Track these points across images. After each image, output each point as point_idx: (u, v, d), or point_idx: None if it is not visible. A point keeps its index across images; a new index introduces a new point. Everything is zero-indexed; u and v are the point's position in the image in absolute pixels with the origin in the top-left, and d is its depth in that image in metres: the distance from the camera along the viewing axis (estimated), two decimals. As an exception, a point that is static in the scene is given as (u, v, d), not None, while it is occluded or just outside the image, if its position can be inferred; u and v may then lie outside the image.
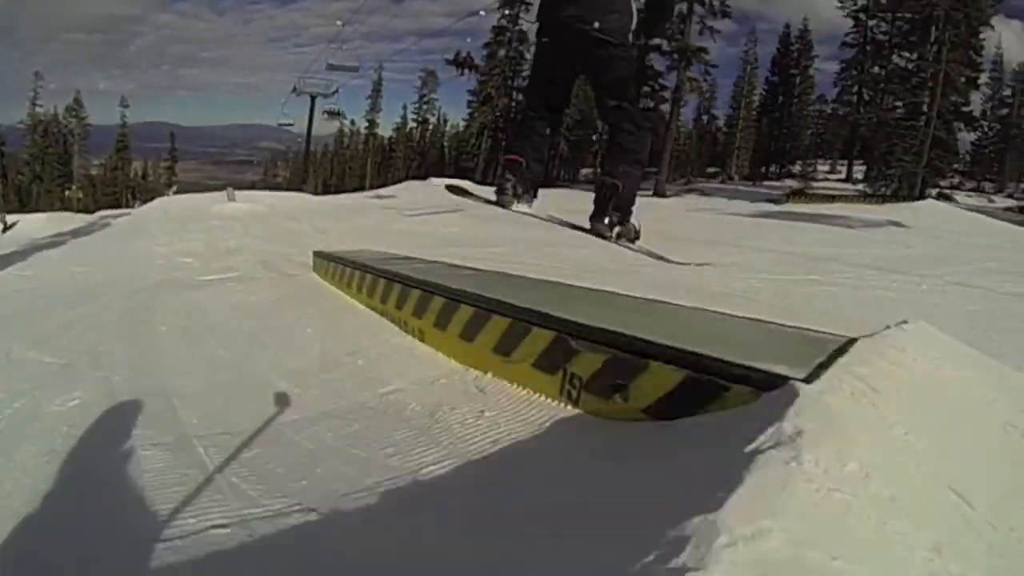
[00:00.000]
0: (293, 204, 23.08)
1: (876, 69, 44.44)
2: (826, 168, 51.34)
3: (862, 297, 6.40)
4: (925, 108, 34.52)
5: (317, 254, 7.58)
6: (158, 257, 10.21)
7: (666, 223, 12.57)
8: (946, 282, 7.31)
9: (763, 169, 51.30)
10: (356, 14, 44.68)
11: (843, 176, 47.98)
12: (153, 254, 10.69)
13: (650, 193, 34.32)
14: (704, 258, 8.15)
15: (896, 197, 31.57)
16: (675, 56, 38.89)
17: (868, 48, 44.80)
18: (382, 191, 33.22)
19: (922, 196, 31.60)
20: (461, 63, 36.78)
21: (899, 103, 36.55)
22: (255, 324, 5.28)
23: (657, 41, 37.35)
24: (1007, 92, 45.62)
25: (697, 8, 38.69)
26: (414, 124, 59.90)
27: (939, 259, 9.48)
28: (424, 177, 38.73)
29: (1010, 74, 45.68)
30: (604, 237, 3.84)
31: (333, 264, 6.66)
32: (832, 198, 30.87)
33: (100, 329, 5.14)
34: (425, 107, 59.47)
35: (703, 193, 37.55)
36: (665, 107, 41.59)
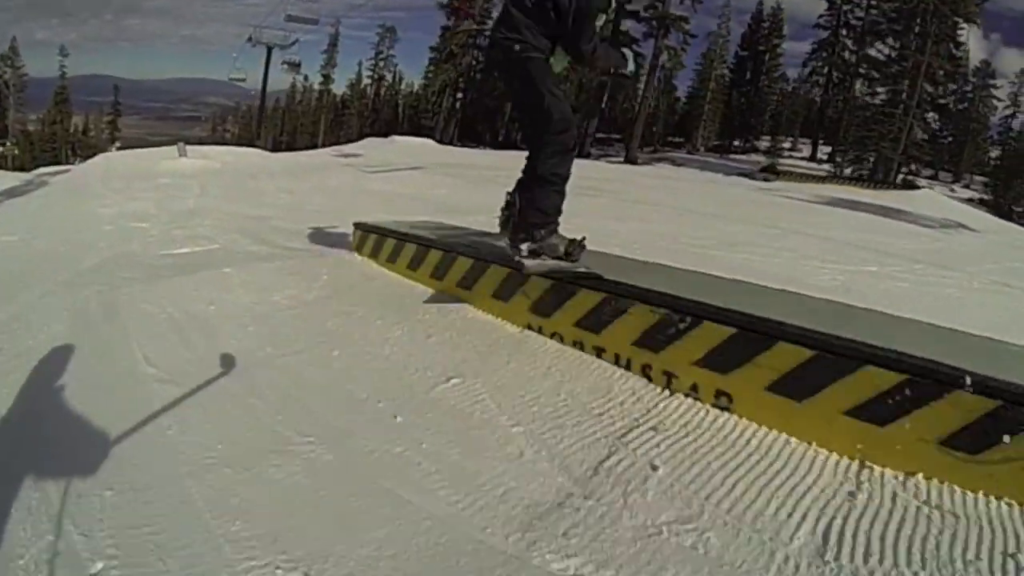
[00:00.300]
0: (249, 161, 21.53)
1: (847, 54, 45.87)
2: (787, 145, 51.88)
3: (938, 295, 5.87)
4: (904, 96, 35.39)
5: (361, 226, 5.54)
6: (104, 221, 8.80)
7: (677, 195, 11.78)
8: (991, 281, 7.02)
9: (728, 143, 51.48)
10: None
11: (807, 155, 48.70)
12: (99, 217, 9.26)
13: (621, 160, 33.87)
14: (744, 238, 7.39)
15: (874, 181, 32.06)
16: (653, 23, 37.98)
17: (841, 32, 45.35)
18: (344, 148, 31.51)
19: (906, 183, 32.80)
20: (457, 8, 34.72)
21: (880, 89, 37.88)
22: (334, 369, 3.24)
23: (634, 7, 36.60)
24: (968, 88, 47.31)
25: (678, -23, 37.84)
26: (369, 81, 58.22)
27: (970, 255, 9.22)
28: (385, 134, 37.25)
29: (971, 70, 47.26)
30: (515, 263, 3.56)
31: (411, 244, 4.71)
32: (821, 179, 30.88)
33: (26, 369, 3.18)
34: (382, 64, 57.81)
35: (674, 163, 37.00)
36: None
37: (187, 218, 8.86)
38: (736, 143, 52.03)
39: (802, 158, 47.65)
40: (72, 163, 35.49)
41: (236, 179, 15.43)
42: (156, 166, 18.20)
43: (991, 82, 47.10)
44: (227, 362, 3.16)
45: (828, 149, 46.11)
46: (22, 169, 29.31)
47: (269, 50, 39.71)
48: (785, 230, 9.33)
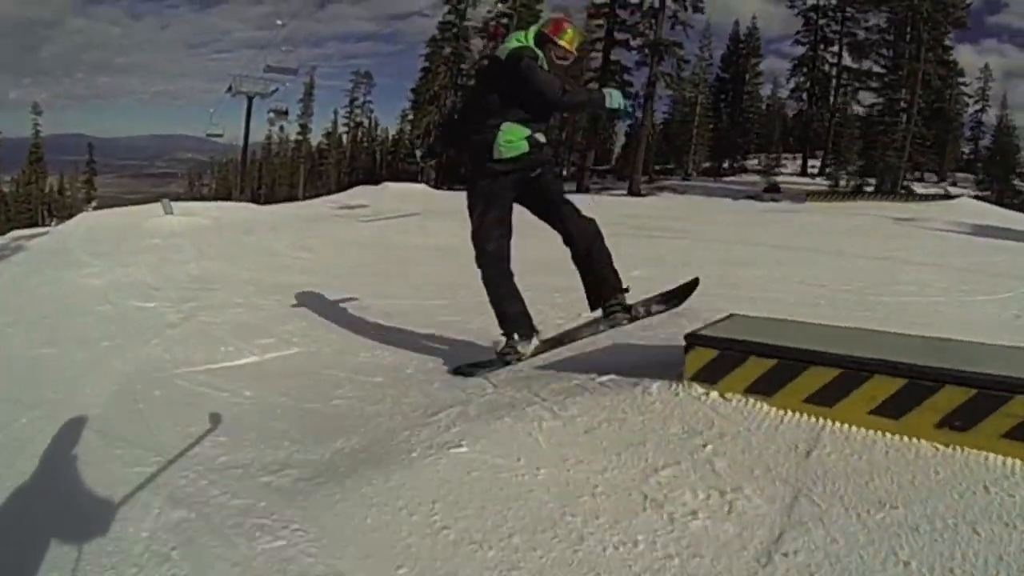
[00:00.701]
0: (239, 215, 20.12)
1: (826, 67, 46.98)
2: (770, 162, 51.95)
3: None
4: (904, 105, 35.98)
5: (713, 343, 3.13)
6: (97, 297, 7.37)
7: (741, 229, 10.62)
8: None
9: (718, 165, 51.40)
10: (281, 19, 41.13)
11: (795, 170, 48.87)
12: (89, 292, 7.81)
13: (624, 193, 33.04)
14: (885, 276, 6.45)
15: (897, 194, 32.32)
16: (646, 51, 37.43)
17: (820, 46, 45.59)
18: (340, 197, 30.03)
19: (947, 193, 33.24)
20: (494, 34, 34.11)
21: (878, 100, 38.27)
22: None
23: (624, 36, 36.31)
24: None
25: (669, 3, 37.33)
26: (345, 129, 57.50)
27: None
28: (368, 182, 36.18)
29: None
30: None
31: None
32: (845, 195, 30.44)
33: None
34: (358, 111, 57.14)
35: (675, 191, 36.08)
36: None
37: (200, 290, 7.43)
38: (724, 165, 51.88)
39: (791, 173, 47.39)
40: (49, 224, 33.85)
41: (233, 236, 14.10)
42: (142, 225, 16.76)
43: (960, 80, 47.31)
44: None
45: (815, 162, 46.98)
46: (-3, 232, 27.60)
47: (250, 100, 38.58)
48: (901, 260, 8.16)
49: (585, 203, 4.04)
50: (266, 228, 15.70)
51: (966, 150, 51.14)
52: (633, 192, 34.20)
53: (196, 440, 3.09)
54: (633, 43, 37.56)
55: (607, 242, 3.76)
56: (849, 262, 8.52)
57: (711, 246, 10.31)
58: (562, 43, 3.66)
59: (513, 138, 3.55)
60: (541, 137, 3.69)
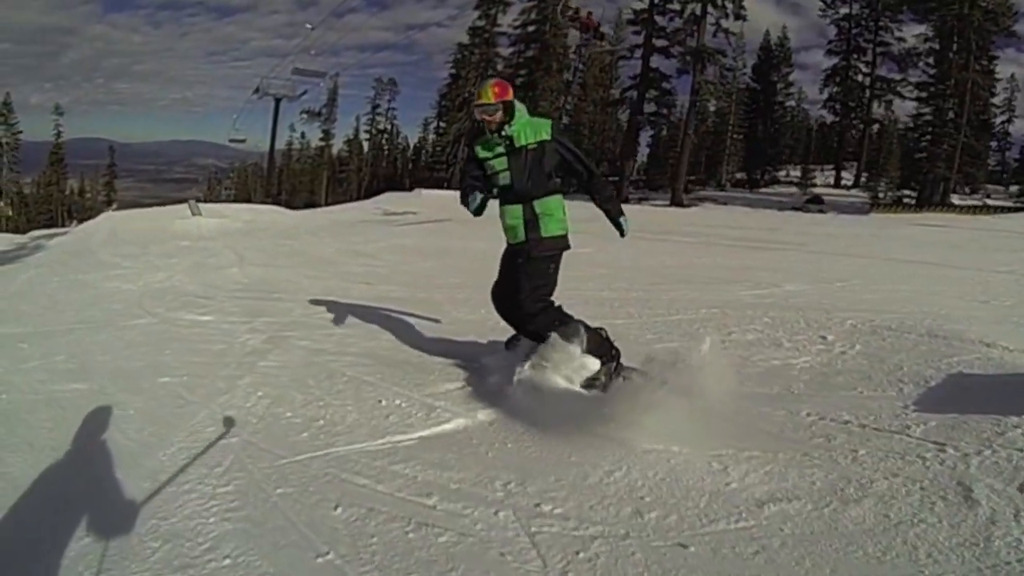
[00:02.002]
0: (271, 219, 19.03)
1: (859, 77, 44.91)
2: (797, 173, 50.48)
3: None
4: (952, 115, 34.71)
5: None
6: (132, 305, 6.08)
7: (847, 243, 9.20)
8: None
9: (752, 176, 49.89)
10: (308, 24, 39.99)
11: (828, 182, 47.42)
12: (120, 298, 6.56)
13: (666, 203, 31.67)
14: None
15: (931, 203, 31.60)
16: (687, 59, 35.97)
17: (852, 56, 44.31)
18: (368, 204, 28.63)
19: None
20: (585, 25, 32.88)
21: (925, 110, 36.61)
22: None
23: (663, 43, 34.92)
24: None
25: (711, 10, 35.92)
26: (366, 136, 56.25)
27: None
28: (399, 188, 35.16)
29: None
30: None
31: None
32: (919, 207, 29.09)
33: None
34: (379, 118, 55.95)
35: (716, 202, 34.58)
36: (669, 111, 39.60)
37: (260, 300, 6.07)
38: (755, 176, 50.44)
39: (824, 185, 45.90)
40: (69, 225, 32.80)
41: (272, 240, 12.86)
42: (169, 227, 15.61)
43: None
44: None
45: (846, 174, 45.50)
46: (16, 232, 26.57)
47: (277, 102, 37.61)
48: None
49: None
50: (304, 233, 14.42)
51: (992, 162, 49.29)
52: (676, 203, 32.63)
53: None
54: (673, 51, 36.02)
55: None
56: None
57: (843, 260, 8.91)
58: (478, 105, 3.53)
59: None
60: (507, 220, 3.66)
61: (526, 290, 3.51)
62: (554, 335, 3.42)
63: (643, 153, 52.29)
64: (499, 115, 3.47)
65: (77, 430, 2.98)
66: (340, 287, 6.74)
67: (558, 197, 3.59)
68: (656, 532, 2.07)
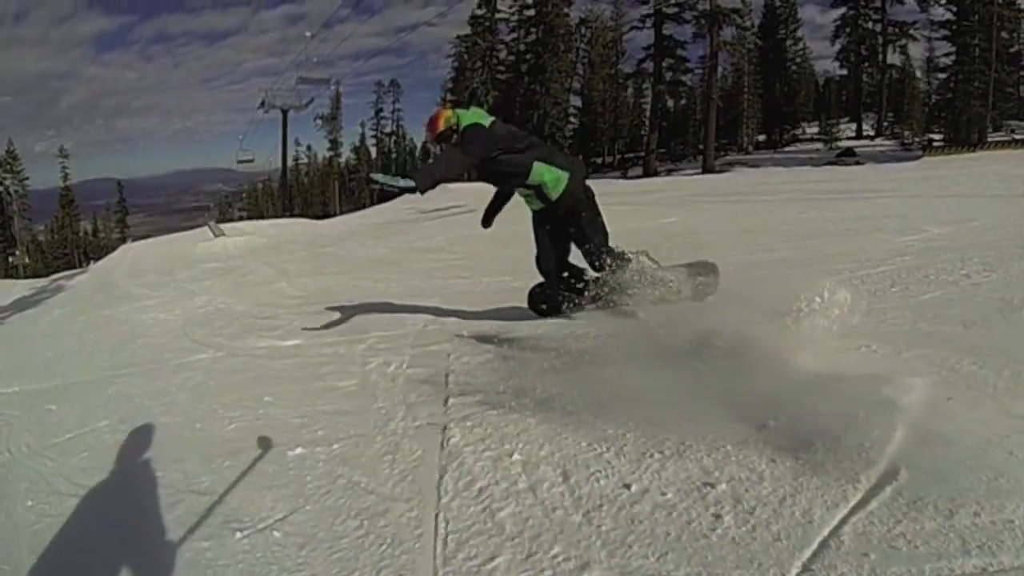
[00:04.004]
0: (298, 231, 17.95)
1: (870, 24, 43.67)
2: (813, 130, 48.91)
3: None
4: (978, 52, 33.58)
5: None
6: (171, 335, 4.92)
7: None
8: None
9: (773, 136, 48.41)
10: (309, 31, 38.97)
11: (851, 134, 45.89)
12: (157, 330, 5.36)
13: (697, 172, 30.34)
14: None
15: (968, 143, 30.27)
16: (702, 21, 34.59)
17: (861, 3, 42.94)
18: (407, 200, 27.33)
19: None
20: None
21: (949, 50, 35.65)
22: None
23: (674, 8, 33.61)
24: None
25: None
26: (373, 141, 55.46)
27: None
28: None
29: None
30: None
31: None
32: (972, 147, 27.77)
33: None
34: (384, 121, 55.05)
35: (747, 165, 33.14)
36: (686, 78, 38.67)
37: (350, 316, 4.72)
38: (772, 135, 48.90)
39: (847, 138, 44.33)
40: (87, 267, 32.01)
41: (308, 250, 11.82)
42: (191, 251, 14.53)
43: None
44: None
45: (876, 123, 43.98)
46: (36, 278, 25.81)
47: (285, 113, 36.49)
48: None
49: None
50: (339, 240, 13.27)
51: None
52: (707, 169, 31.31)
53: None
54: (686, 15, 34.76)
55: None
56: None
57: (951, 201, 8.35)
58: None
59: None
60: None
61: (593, 242, 3.68)
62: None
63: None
64: (446, 136, 3.68)
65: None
66: (428, 285, 5.56)
67: (536, 169, 3.65)
68: None
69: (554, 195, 3.62)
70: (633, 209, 10.99)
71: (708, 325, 2.79)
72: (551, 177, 3.61)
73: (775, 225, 7.75)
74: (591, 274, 3.76)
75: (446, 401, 2.70)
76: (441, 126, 3.63)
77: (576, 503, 1.76)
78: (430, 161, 3.67)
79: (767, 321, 2.51)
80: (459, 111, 3.68)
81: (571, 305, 3.80)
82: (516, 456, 2.08)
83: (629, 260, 3.60)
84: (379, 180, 3.39)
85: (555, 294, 3.86)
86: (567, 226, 3.68)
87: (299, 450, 2.41)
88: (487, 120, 3.66)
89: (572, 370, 2.81)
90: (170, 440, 2.71)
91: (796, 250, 5.76)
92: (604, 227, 3.72)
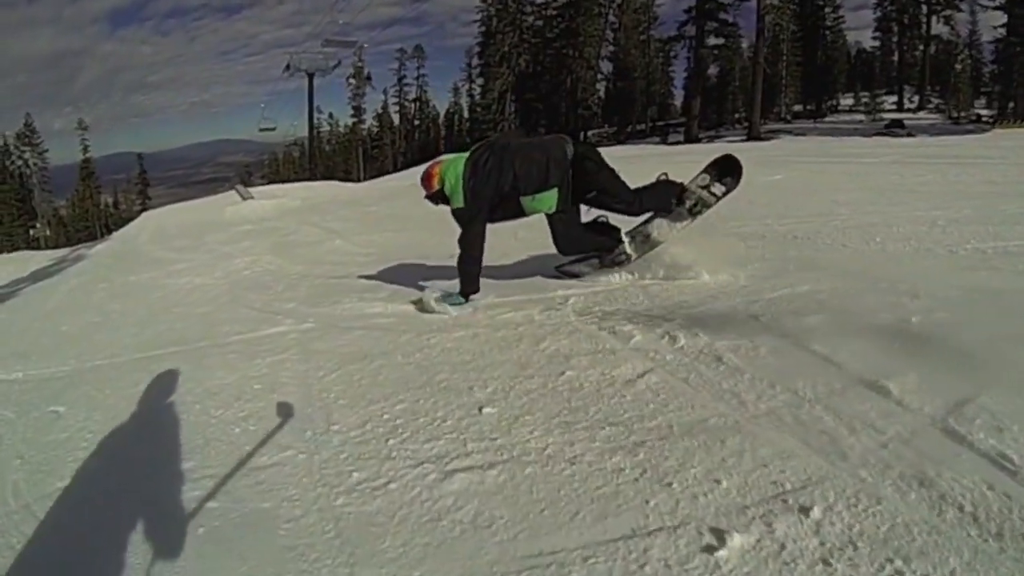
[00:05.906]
0: (333, 193, 16.93)
1: None
2: (848, 101, 47.02)
3: None
4: None
5: None
6: (229, 303, 3.76)
7: None
8: None
9: (811, 106, 46.93)
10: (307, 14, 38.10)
11: (892, 106, 44.45)
12: (197, 295, 4.18)
13: (743, 139, 29.01)
14: None
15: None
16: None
17: None
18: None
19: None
20: None
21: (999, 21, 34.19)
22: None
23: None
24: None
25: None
26: (396, 109, 54.53)
27: None
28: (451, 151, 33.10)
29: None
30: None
31: None
32: None
33: None
34: (407, 88, 53.95)
35: (793, 134, 31.55)
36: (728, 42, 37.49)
37: (448, 266, 3.61)
38: (808, 106, 47.32)
39: (888, 110, 42.66)
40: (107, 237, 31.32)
41: (351, 210, 10.64)
42: (219, 216, 13.44)
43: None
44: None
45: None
46: (57, 248, 25.12)
47: (311, 77, 35.36)
48: None
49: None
50: (387, 197, 12.21)
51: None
52: (753, 137, 29.70)
53: None
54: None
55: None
56: None
57: None
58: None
59: None
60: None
61: (620, 195, 3.79)
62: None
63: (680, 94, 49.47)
64: (441, 196, 3.71)
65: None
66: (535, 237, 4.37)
67: (539, 198, 3.69)
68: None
69: (556, 208, 3.68)
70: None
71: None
72: (546, 203, 3.68)
73: (913, 186, 6.65)
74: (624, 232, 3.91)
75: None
76: (435, 186, 3.68)
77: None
78: (457, 261, 3.61)
79: None
80: (445, 170, 3.66)
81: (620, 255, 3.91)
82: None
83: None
84: (436, 310, 3.42)
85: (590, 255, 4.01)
86: (587, 195, 3.75)
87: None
88: (463, 167, 3.63)
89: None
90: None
91: (972, 210, 4.87)
92: (620, 178, 3.79)
